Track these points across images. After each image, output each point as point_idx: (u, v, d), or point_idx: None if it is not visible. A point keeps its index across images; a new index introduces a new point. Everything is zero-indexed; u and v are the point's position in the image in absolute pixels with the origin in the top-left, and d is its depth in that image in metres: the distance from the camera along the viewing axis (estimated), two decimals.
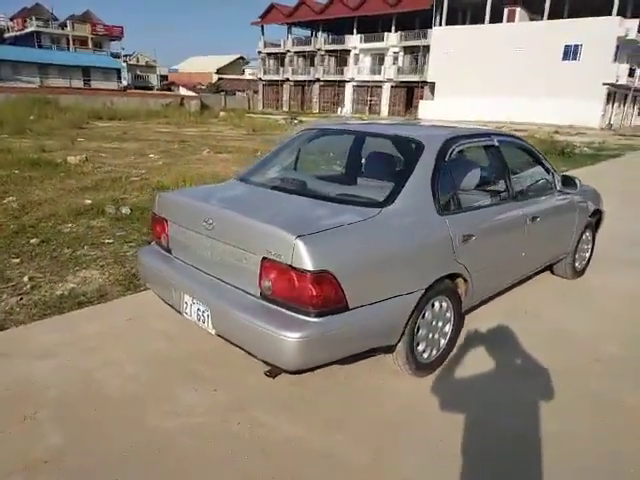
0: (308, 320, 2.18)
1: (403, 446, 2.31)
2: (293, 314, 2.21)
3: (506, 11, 37.79)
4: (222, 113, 34.16)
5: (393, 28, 46.30)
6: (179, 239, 2.84)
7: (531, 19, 38.29)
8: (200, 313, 2.60)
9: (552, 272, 4.56)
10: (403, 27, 45.54)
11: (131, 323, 3.43)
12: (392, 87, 46.83)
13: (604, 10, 33.46)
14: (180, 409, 2.51)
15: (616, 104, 37.67)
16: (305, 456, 2.22)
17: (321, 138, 3.65)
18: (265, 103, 57.48)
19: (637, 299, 4.27)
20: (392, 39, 46.28)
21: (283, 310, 2.25)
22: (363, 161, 3.51)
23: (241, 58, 77.67)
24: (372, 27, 48.09)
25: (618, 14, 33.41)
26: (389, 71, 46.32)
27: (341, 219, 2.40)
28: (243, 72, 72.80)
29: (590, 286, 4.52)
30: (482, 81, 37.50)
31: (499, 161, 3.40)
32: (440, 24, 41.11)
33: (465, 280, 2.90)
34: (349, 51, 49.89)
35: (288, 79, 54.96)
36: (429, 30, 42.30)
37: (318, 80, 52.09)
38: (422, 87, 43.36)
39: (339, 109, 49.67)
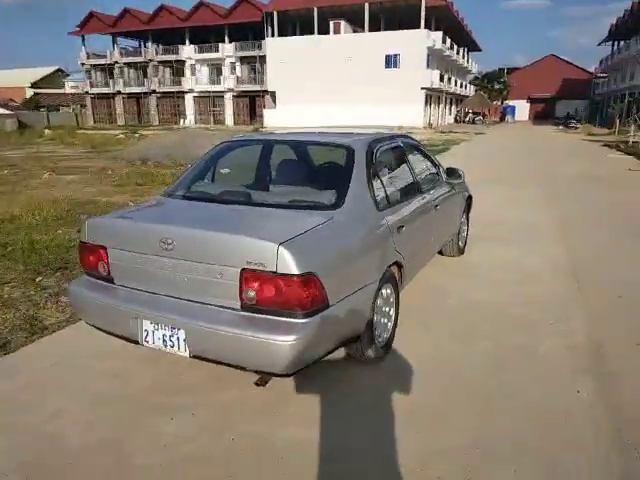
0: (298, 322, 2.26)
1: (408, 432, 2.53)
2: (282, 319, 2.27)
3: (332, 24, 40.62)
4: (47, 131, 30.81)
5: (227, 39, 46.50)
6: (125, 266, 2.65)
7: (354, 31, 41.76)
8: (167, 338, 2.49)
9: (440, 253, 5.20)
10: (237, 38, 46.04)
11: (59, 367, 3.08)
12: (234, 97, 47.02)
13: (413, 23, 38.00)
14: (165, 440, 2.38)
15: (433, 105, 43.12)
16: (312, 454, 2.29)
17: (239, 150, 3.69)
18: (96, 118, 53.09)
19: (509, 265, 5.12)
20: (228, 49, 46.47)
21: (270, 317, 2.29)
22: (283, 168, 3.63)
23: (59, 70, 70.56)
24: (205, 37, 47.69)
25: (425, 27, 38.25)
26: (229, 81, 46.44)
27: (307, 223, 2.53)
28: (64, 85, 66.18)
29: (472, 261, 5.27)
30: (320, 89, 39.74)
31: (405, 159, 3.83)
32: (272, 35, 42.48)
33: (400, 267, 3.23)
34: (184, 61, 48.73)
35: (120, 91, 51.55)
36: (263, 41, 43.43)
37: (154, 92, 49.85)
38: (264, 96, 44.34)
39: (181, 121, 48.22)
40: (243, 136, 4.24)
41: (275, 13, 41.47)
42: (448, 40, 42.44)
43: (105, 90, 52.30)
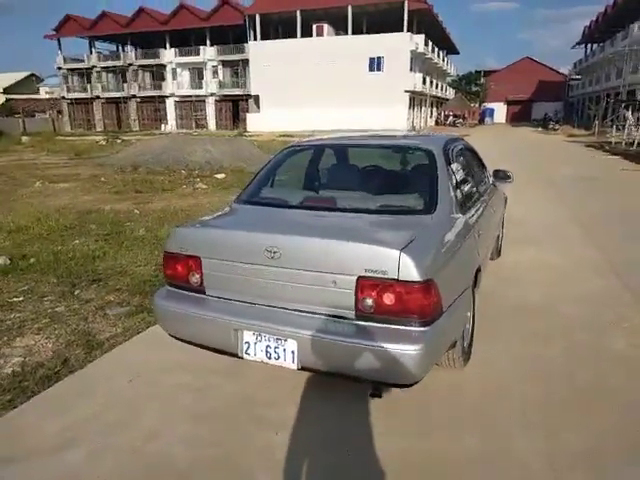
0: (422, 330, 2.22)
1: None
2: (405, 327, 2.22)
3: (315, 27, 40.70)
4: (25, 138, 30.00)
5: (208, 42, 46.13)
6: (221, 276, 2.57)
7: (337, 34, 41.91)
8: (271, 350, 2.42)
9: None
10: (219, 41, 45.71)
11: (137, 384, 2.96)
12: (216, 101, 46.65)
13: (396, 27, 38.33)
14: (280, 455, 2.30)
15: (416, 108, 43.54)
16: (430, 466, 2.25)
17: (304, 154, 3.63)
18: (74, 124, 51.98)
19: (545, 266, 5.17)
20: (209, 53, 46.09)
21: (390, 326, 2.24)
22: (361, 173, 3.59)
23: (33, 75, 68.99)
24: (186, 41, 47.19)
25: (407, 30, 38.63)
26: (211, 85, 46.06)
27: (411, 228, 2.49)
28: (38, 91, 64.66)
29: (509, 261, 5.30)
30: (305, 92, 39.72)
31: (467, 161, 3.82)
32: (255, 38, 42.33)
33: (479, 270, 3.22)
34: (165, 66, 48.12)
35: (99, 96, 50.62)
36: (245, 44, 43.23)
37: (134, 97, 49.09)
38: (247, 100, 44.10)
39: (162, 126, 47.60)
40: (308, 140, 4.17)
41: (257, 16, 41.32)
42: (430, 43, 42.95)
43: (83, 95, 51.25)
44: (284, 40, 41.96)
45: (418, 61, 41.33)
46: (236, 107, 46.12)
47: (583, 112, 49.80)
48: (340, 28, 41.13)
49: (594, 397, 2.76)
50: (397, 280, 2.18)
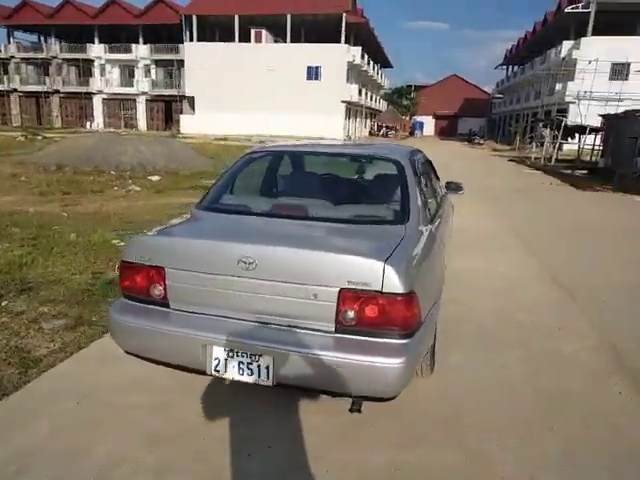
0: (404, 342, 2.16)
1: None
2: (387, 340, 2.16)
3: (253, 32, 40.36)
4: None
5: (141, 40, 44.36)
6: (188, 288, 2.37)
7: (276, 41, 41.86)
8: (244, 366, 2.27)
9: None
10: (152, 40, 44.07)
11: (87, 406, 2.67)
12: (148, 101, 44.86)
13: (334, 38, 38.93)
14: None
15: (352, 118, 44.40)
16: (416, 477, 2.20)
17: (266, 160, 3.48)
18: None
19: (489, 272, 5.38)
20: (142, 51, 44.31)
21: (372, 338, 2.17)
22: (327, 181, 3.49)
23: None
24: (116, 37, 45.08)
25: (345, 42, 39.37)
26: (143, 84, 44.24)
27: (388, 239, 2.43)
28: None
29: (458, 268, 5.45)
30: (242, 97, 39.18)
31: (428, 173, 3.86)
32: (191, 39, 41.26)
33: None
34: (93, 61, 45.63)
35: (16, 89, 46.96)
36: (181, 45, 42.02)
37: (58, 92, 46.06)
38: (181, 101, 42.81)
39: (88, 123, 45.05)
40: (270, 146, 4.00)
41: (194, 17, 40.33)
42: (365, 56, 44.02)
43: None
44: (222, 43, 41.24)
45: (354, 72, 42.22)
46: (169, 108, 44.61)
47: (504, 129, 53.22)
48: (279, 35, 41.14)
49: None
50: (380, 292, 2.11)
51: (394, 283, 2.11)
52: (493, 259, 6.01)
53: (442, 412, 2.69)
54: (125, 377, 2.94)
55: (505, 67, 62.71)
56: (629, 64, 31.80)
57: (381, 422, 2.56)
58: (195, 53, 40.48)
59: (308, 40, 40.86)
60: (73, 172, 13.92)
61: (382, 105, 58.76)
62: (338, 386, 2.19)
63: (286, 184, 3.39)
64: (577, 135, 24.81)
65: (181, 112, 43.00)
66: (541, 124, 28.71)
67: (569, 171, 19.87)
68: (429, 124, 72.58)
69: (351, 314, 2.16)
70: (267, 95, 38.80)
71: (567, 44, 35.38)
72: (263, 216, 2.84)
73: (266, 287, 2.24)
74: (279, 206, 2.93)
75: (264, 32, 40.56)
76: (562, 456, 2.38)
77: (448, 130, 72.31)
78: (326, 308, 2.19)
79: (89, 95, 45.81)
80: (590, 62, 31.01)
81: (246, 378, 2.28)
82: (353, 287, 2.13)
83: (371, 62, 48.19)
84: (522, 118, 42.26)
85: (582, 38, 33.98)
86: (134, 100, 45.17)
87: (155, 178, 13.51)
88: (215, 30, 43.10)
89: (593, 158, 23.16)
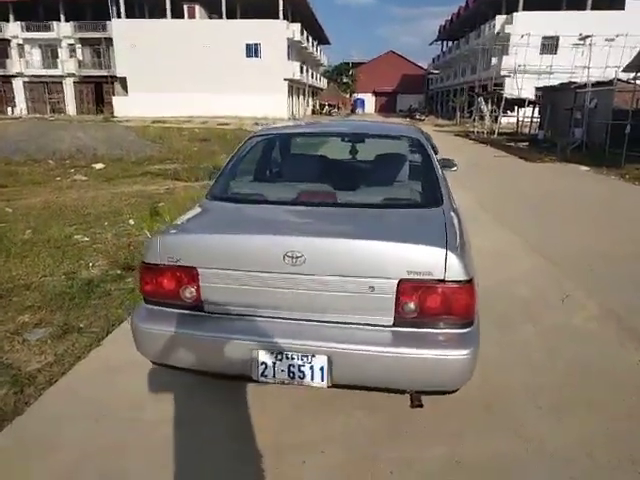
0: (468, 331, 2.07)
1: None
2: (452, 330, 2.05)
3: (186, 7, 38.51)
4: None
5: (63, 17, 41.13)
6: (225, 288, 2.15)
7: (210, 17, 40.16)
8: (295, 369, 2.10)
9: None
10: (75, 16, 40.96)
11: (108, 424, 2.40)
12: (76, 83, 41.95)
13: (271, 14, 37.89)
14: None
15: (294, 96, 43.73)
16: (473, 471, 2.14)
17: (278, 143, 3.22)
18: None
19: None
20: (65, 29, 41.15)
21: (436, 330, 2.06)
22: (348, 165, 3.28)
23: None
24: (35, 14, 41.50)
25: (284, 19, 38.44)
26: (68, 65, 41.22)
27: (437, 224, 2.32)
28: None
29: None
30: (179, 77, 37.46)
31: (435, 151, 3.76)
32: (119, 16, 38.75)
33: None
34: (9, 41, 41.90)
35: None
36: (108, 22, 39.38)
37: None
38: (112, 83, 40.35)
39: (9, 109, 41.59)
40: (273, 127, 3.71)
41: None
42: (305, 32, 43.27)
43: None
44: (153, 20, 39.10)
45: (294, 50, 41.42)
46: (100, 90, 41.99)
47: (443, 104, 54.47)
48: (213, 11, 39.51)
49: None
50: (443, 280, 2.00)
51: (457, 271, 2.00)
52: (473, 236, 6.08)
53: (482, 396, 2.65)
54: (139, 388, 2.69)
55: (440, 43, 63.85)
56: (558, 38, 33.22)
57: (424, 413, 2.48)
58: (124, 31, 38.09)
59: (245, 16, 39.53)
60: (5, 163, 12.80)
61: (323, 83, 58.31)
62: (400, 382, 2.08)
63: (301, 168, 3.17)
64: (516, 108, 25.77)
65: (113, 94, 40.60)
66: (481, 98, 29.57)
67: (512, 143, 20.63)
68: (370, 101, 72.94)
69: (412, 306, 2.04)
70: (206, 74, 37.36)
71: (500, 19, 36.44)
72: (291, 204, 2.63)
73: (316, 282, 2.07)
74: (306, 193, 2.72)
75: (197, 7, 38.83)
76: (607, 430, 2.40)
77: (388, 107, 72.99)
78: (384, 301, 2.05)
79: (7, 78, 42.16)
80: (522, 36, 32.11)
81: (297, 382, 2.11)
82: (414, 277, 2.01)
83: (310, 39, 47.48)
84: (459, 93, 43.36)
85: (514, 13, 35.10)
86: (60, 83, 42.09)
87: (99, 166, 12.68)
88: (144, 6, 40.73)
89: (532, 130, 24.20)
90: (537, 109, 24.30)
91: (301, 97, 47.49)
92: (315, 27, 50.38)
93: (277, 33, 37.65)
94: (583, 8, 34.27)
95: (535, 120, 24.43)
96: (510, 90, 28.48)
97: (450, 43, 58.43)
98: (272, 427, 2.39)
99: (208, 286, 2.17)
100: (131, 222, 6.56)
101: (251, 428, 2.37)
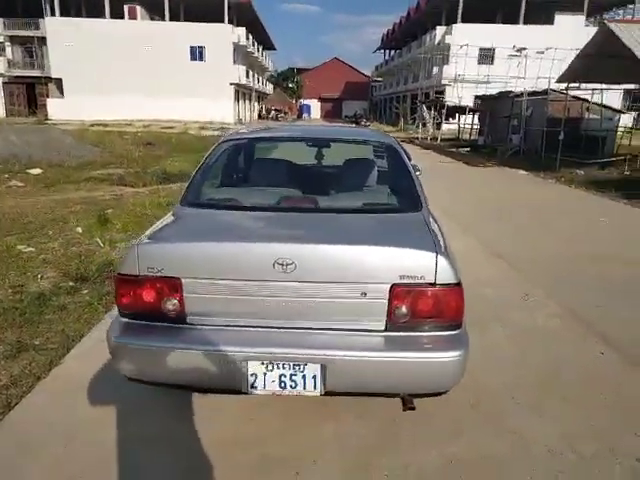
0: (458, 333, 2.09)
1: None
2: (442, 333, 2.06)
3: (126, 8, 37.17)
4: None
5: None
6: (210, 298, 2.05)
7: (152, 18, 39.02)
8: (286, 379, 2.03)
9: None
10: (4, 13, 38.48)
11: (80, 447, 2.22)
12: (6, 83, 39.32)
13: (216, 16, 37.32)
14: None
15: (241, 101, 43.29)
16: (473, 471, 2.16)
17: (248, 148, 3.12)
18: None
19: None
20: None
21: (427, 333, 2.06)
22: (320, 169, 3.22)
23: None
24: None
25: (229, 22, 37.99)
26: None
27: (421, 228, 2.33)
28: None
29: None
30: (119, 79, 36.04)
31: None
32: (53, 14, 36.81)
33: None
34: None
35: None
36: (41, 20, 37.31)
37: None
38: (46, 84, 38.22)
39: None
40: (243, 132, 3.58)
41: None
42: (250, 37, 42.98)
43: None
44: (91, 19, 37.36)
45: (240, 54, 41.02)
46: (32, 91, 39.64)
47: (386, 110, 55.79)
48: (155, 12, 38.42)
49: None
50: (434, 284, 2.01)
51: (447, 274, 2.01)
52: None
53: (462, 397, 2.68)
54: (106, 408, 2.52)
55: (383, 51, 65.42)
56: (494, 49, 34.94)
57: (413, 415, 2.48)
58: (59, 29, 36.22)
59: (189, 19, 38.69)
60: None
61: (269, 88, 58.18)
62: (394, 386, 2.07)
63: (275, 173, 3.09)
64: (457, 115, 26.84)
65: (47, 96, 38.46)
66: (423, 106, 30.55)
67: (454, 149, 21.43)
68: (315, 107, 73.47)
69: (404, 310, 2.03)
70: (148, 77, 36.23)
71: (440, 29, 37.85)
72: (272, 210, 2.55)
73: (307, 290, 2.02)
74: (286, 199, 2.65)
75: (138, 8, 37.63)
76: (585, 422, 2.51)
77: (333, 113, 73.84)
78: (376, 306, 2.03)
79: None
80: (461, 47, 33.55)
81: (288, 391, 2.05)
82: (406, 281, 2.00)
83: (256, 44, 47.24)
84: (402, 100, 44.59)
85: (453, 24, 36.55)
86: None
87: (36, 171, 11.95)
88: (82, 4, 38.97)
89: (472, 136, 25.27)
90: (477, 116, 25.41)
91: (247, 101, 47.09)
92: (260, 32, 50.15)
93: (222, 37, 37.15)
94: (516, 22, 36.22)
95: (475, 127, 25.53)
96: (451, 98, 29.65)
97: (392, 52, 60.02)
98: (259, 438, 2.30)
99: (192, 297, 2.06)
100: (79, 230, 6.20)
101: (232, 442, 2.27)
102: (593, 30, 15.52)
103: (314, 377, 2.02)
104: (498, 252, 5.59)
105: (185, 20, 38.92)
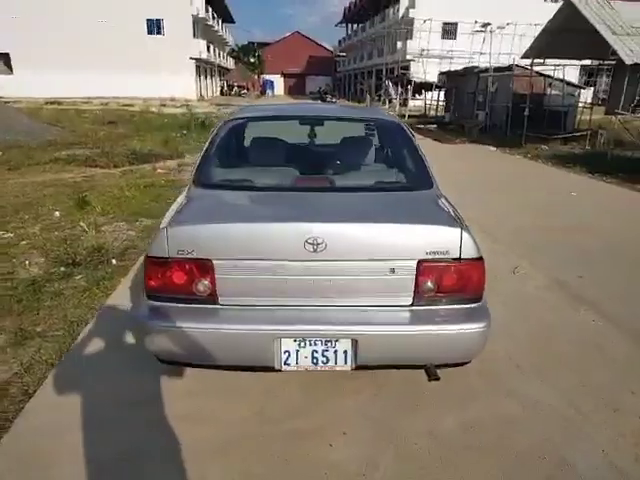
0: (481, 305, 2.20)
1: None
2: (467, 305, 2.17)
3: None
4: None
5: None
6: (242, 279, 2.08)
7: None
8: (318, 355, 2.11)
9: None
10: None
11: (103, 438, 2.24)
12: None
13: None
14: (348, 469, 2.05)
15: (202, 77, 42.06)
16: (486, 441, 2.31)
17: (257, 127, 3.10)
18: None
19: None
20: None
21: (453, 306, 2.17)
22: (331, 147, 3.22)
23: None
24: None
25: None
26: None
27: (438, 205, 2.42)
28: None
29: None
30: (72, 54, 34.32)
31: None
32: None
33: None
34: None
35: None
36: None
37: None
38: None
39: None
40: (247, 110, 3.51)
41: None
42: (210, 9, 41.58)
43: None
44: None
45: (200, 27, 39.71)
46: None
47: (351, 86, 55.47)
48: None
49: None
50: (459, 259, 2.11)
51: (471, 249, 2.12)
52: None
53: (472, 363, 2.83)
54: (135, 388, 2.54)
55: (345, 25, 64.57)
56: (457, 24, 35.15)
57: (428, 385, 2.60)
58: (3, 0, 33.95)
59: None
60: None
61: (230, 63, 56.71)
62: (421, 358, 2.17)
63: (284, 152, 3.09)
64: (423, 91, 27.01)
65: None
66: (388, 81, 30.57)
67: (421, 126, 21.64)
68: (278, 83, 72.25)
69: (430, 285, 2.12)
70: (103, 52, 34.66)
71: (404, 3, 37.66)
72: (290, 190, 2.57)
73: (337, 268, 2.08)
74: (300, 178, 2.68)
75: None
76: (582, 383, 2.71)
77: (297, 89, 72.82)
78: (404, 282, 2.12)
79: None
80: (425, 21, 33.58)
81: (320, 367, 2.13)
82: (432, 257, 2.09)
83: (215, 16, 45.77)
84: (367, 75, 44.40)
85: None
86: None
87: None
88: None
89: (438, 113, 25.54)
90: (442, 93, 25.65)
91: (209, 77, 45.83)
92: (219, 4, 48.58)
93: (180, 9, 35.81)
94: None
95: (441, 103, 25.80)
96: (416, 73, 29.78)
97: (355, 25, 59.34)
98: (286, 413, 2.39)
99: (224, 277, 2.08)
100: (56, 214, 6.01)
101: (261, 418, 2.35)
102: (553, 6, 15.84)
103: (345, 352, 2.11)
104: (481, 225, 5.79)
105: None
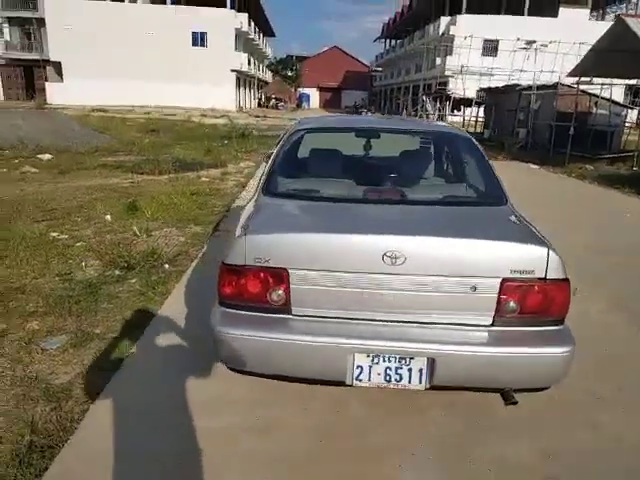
0: (564, 328, 2.11)
1: None
2: (550, 328, 2.08)
3: None
4: None
5: None
6: (316, 290, 2.04)
7: (153, 2, 38.44)
8: (392, 372, 2.05)
9: None
10: None
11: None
12: (3, 66, 38.67)
13: (218, 2, 36.80)
14: None
15: (241, 88, 42.90)
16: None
17: (318, 137, 3.10)
18: None
19: None
20: None
21: (535, 328, 2.07)
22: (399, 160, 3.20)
23: None
24: None
25: (231, 7, 37.50)
26: None
27: (521, 222, 2.34)
28: None
29: None
30: (120, 64, 35.54)
31: None
32: None
33: None
34: None
35: None
36: (40, 0, 36.64)
37: None
38: (44, 67, 37.63)
39: None
40: (315, 121, 3.54)
41: None
42: (252, 23, 42.51)
43: None
44: (91, 1, 36.67)
45: (242, 40, 40.60)
46: (30, 75, 39.00)
47: (387, 101, 55.51)
48: None
49: None
50: (544, 279, 2.02)
51: (557, 269, 2.03)
52: None
53: None
54: (205, 392, 2.52)
55: (383, 41, 64.89)
56: (498, 41, 34.79)
57: (491, 407, 2.49)
58: (58, 11, 35.56)
59: (190, 3, 38.17)
60: None
61: (268, 76, 57.68)
62: (500, 381, 2.08)
63: (350, 164, 3.08)
64: (462, 107, 26.74)
65: (46, 79, 37.90)
66: (425, 97, 30.44)
67: None
68: (314, 96, 72.95)
69: (513, 305, 2.04)
70: (149, 62, 35.75)
71: (445, 20, 37.57)
72: (363, 202, 2.54)
73: (415, 283, 2.02)
74: (371, 190, 2.64)
75: None
76: None
77: (333, 102, 73.32)
78: (486, 300, 2.04)
79: None
80: (465, 38, 33.35)
81: (393, 385, 2.06)
82: (517, 276, 2.01)
83: (257, 30, 46.74)
84: (404, 91, 44.37)
85: (457, 15, 36.31)
86: None
87: (46, 157, 11.81)
88: None
89: (477, 129, 25.21)
90: (482, 109, 25.33)
91: (248, 89, 46.70)
92: (261, 18, 49.61)
93: (224, 22, 36.71)
94: (520, 14, 36.04)
95: (480, 120, 25.47)
96: (454, 89, 29.53)
97: (393, 41, 59.54)
98: (351, 429, 2.32)
99: (299, 288, 2.05)
100: (108, 218, 6.15)
101: (326, 432, 2.29)
102: (596, 24, 15.48)
103: (420, 371, 2.04)
104: None
105: (187, 4, 38.40)
